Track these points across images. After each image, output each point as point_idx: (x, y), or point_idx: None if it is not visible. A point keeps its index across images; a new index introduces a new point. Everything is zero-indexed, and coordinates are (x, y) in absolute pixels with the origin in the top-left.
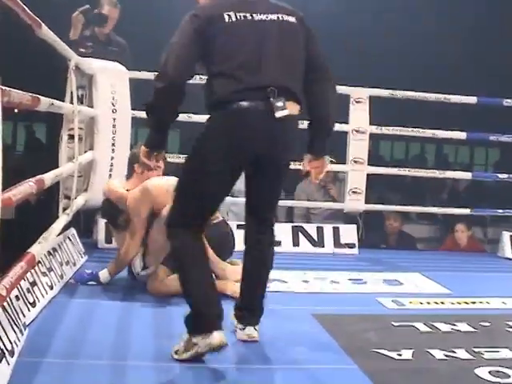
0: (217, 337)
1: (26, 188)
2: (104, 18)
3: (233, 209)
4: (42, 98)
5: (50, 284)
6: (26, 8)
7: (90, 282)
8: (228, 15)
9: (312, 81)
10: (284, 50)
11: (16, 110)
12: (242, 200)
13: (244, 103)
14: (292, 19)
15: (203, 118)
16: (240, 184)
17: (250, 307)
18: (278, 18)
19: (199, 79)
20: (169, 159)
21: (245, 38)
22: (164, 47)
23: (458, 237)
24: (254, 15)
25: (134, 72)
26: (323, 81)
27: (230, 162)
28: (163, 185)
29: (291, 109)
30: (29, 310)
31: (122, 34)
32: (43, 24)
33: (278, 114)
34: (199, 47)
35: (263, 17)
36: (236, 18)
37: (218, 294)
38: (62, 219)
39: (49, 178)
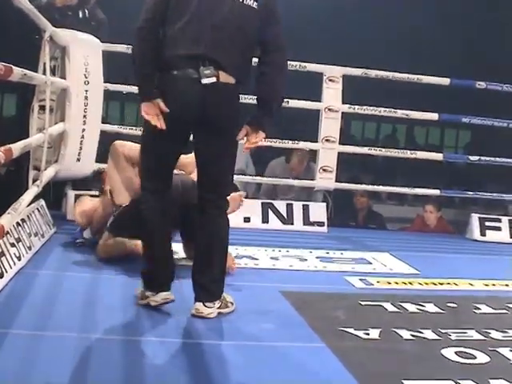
0: (162, 295)
1: None
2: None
3: None
4: (14, 68)
5: (18, 255)
6: None
7: (78, 241)
8: None
9: (264, 63)
10: (231, 28)
11: None
12: None
13: (177, 72)
14: (254, 4)
15: None
16: None
17: (198, 283)
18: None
19: None
20: (139, 132)
21: (196, 6)
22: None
23: (426, 217)
24: None
25: (108, 44)
26: (272, 63)
27: (171, 124)
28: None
29: (223, 78)
30: None
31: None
32: None
33: (205, 81)
34: (164, 6)
35: None
36: None
37: (171, 258)
38: (32, 190)
39: (17, 147)
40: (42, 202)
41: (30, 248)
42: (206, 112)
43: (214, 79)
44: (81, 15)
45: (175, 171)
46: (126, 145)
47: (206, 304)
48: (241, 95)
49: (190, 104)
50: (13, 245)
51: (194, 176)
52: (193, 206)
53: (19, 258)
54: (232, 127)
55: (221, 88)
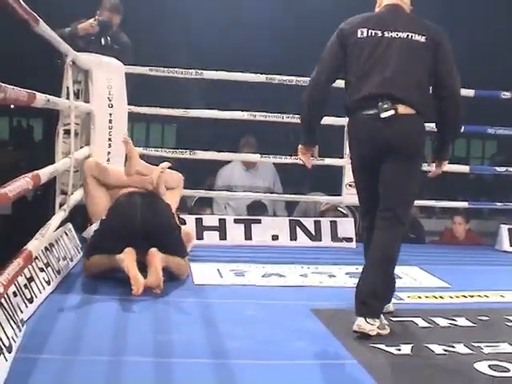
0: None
1: (22, 184)
2: (109, 26)
3: (231, 203)
4: (38, 94)
5: (47, 279)
6: (23, 3)
7: None
8: (361, 31)
9: (438, 98)
10: (404, 65)
11: (12, 106)
12: (241, 195)
13: (361, 112)
14: (422, 39)
15: (199, 113)
16: (239, 180)
17: (360, 297)
18: (407, 36)
19: (195, 74)
20: (164, 154)
21: (370, 52)
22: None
23: (455, 229)
24: (384, 32)
25: (130, 67)
26: (445, 99)
27: (364, 158)
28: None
29: (402, 110)
30: (26, 306)
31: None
32: (40, 20)
33: (383, 115)
34: (340, 58)
35: (393, 34)
36: (367, 34)
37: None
38: (59, 215)
39: (45, 173)
40: (70, 225)
41: (59, 272)
42: (389, 143)
43: (392, 112)
44: (103, 42)
45: (136, 189)
46: (93, 166)
47: (368, 320)
48: None
49: (374, 137)
50: (42, 269)
51: (173, 195)
52: (154, 229)
53: (48, 283)
54: (414, 154)
55: (400, 120)
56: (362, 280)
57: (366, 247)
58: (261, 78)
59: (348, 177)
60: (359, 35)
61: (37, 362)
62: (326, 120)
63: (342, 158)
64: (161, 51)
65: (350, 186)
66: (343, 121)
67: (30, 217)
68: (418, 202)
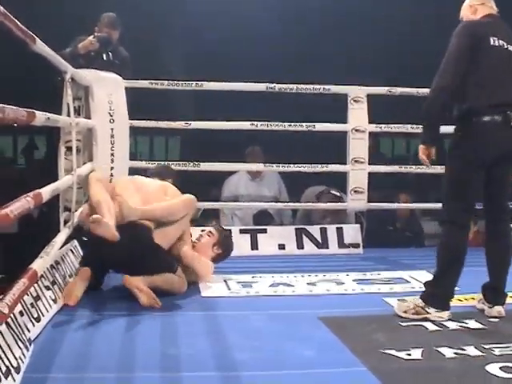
0: (447, 313)
1: (23, 203)
2: (109, 41)
3: (237, 213)
4: (37, 112)
5: (53, 298)
6: (19, 23)
7: None
8: (493, 39)
9: None
10: None
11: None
12: (247, 205)
13: (486, 117)
14: None
15: (201, 124)
16: (245, 189)
17: (497, 289)
18: None
19: (195, 85)
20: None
21: (500, 61)
22: (160, 56)
23: None
24: (508, 45)
25: (130, 81)
26: None
27: (476, 162)
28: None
29: None
30: (33, 325)
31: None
32: (37, 38)
33: None
34: (467, 60)
35: (510, 47)
36: (498, 43)
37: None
38: (64, 232)
39: (46, 192)
40: (75, 242)
41: None
42: (509, 150)
43: None
44: (105, 57)
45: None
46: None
47: (503, 306)
48: None
49: (498, 144)
50: (48, 288)
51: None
52: (129, 253)
53: (55, 301)
54: None
55: None
56: (495, 274)
57: (458, 248)
58: (261, 86)
59: (353, 182)
60: (492, 42)
61: (45, 382)
62: (327, 127)
63: (345, 164)
64: (161, 64)
65: (354, 191)
66: (345, 127)
67: (37, 234)
68: (424, 205)
